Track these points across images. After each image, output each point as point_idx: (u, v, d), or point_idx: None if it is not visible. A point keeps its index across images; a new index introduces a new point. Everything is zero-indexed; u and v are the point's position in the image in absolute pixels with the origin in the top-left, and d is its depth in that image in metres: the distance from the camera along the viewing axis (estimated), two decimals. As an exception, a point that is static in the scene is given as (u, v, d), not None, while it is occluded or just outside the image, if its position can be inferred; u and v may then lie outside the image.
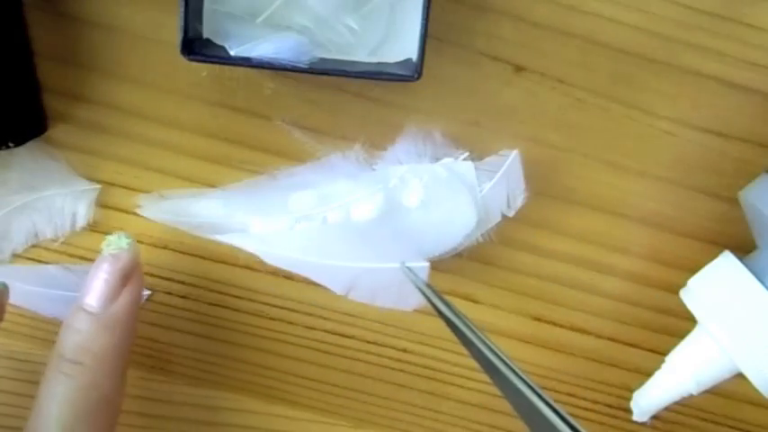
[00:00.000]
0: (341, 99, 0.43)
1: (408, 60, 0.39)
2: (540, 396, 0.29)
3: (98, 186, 0.45)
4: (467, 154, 0.43)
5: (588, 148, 0.44)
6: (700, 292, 0.40)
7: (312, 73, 0.37)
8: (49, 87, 0.42)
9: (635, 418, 0.42)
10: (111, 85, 0.42)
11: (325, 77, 0.40)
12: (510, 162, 0.43)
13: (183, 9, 0.36)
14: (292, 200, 0.44)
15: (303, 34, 0.38)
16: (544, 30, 0.41)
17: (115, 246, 0.40)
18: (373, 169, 0.44)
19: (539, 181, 0.44)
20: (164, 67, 0.42)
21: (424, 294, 0.38)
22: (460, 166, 0.43)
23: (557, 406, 0.29)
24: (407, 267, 0.40)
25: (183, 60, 0.36)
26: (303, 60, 0.37)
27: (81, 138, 0.43)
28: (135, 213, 0.45)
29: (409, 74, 0.37)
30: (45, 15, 0.41)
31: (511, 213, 0.44)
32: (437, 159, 0.43)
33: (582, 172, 0.44)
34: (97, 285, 0.40)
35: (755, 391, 0.37)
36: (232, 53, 0.37)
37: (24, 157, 0.43)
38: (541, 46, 0.42)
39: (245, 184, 0.44)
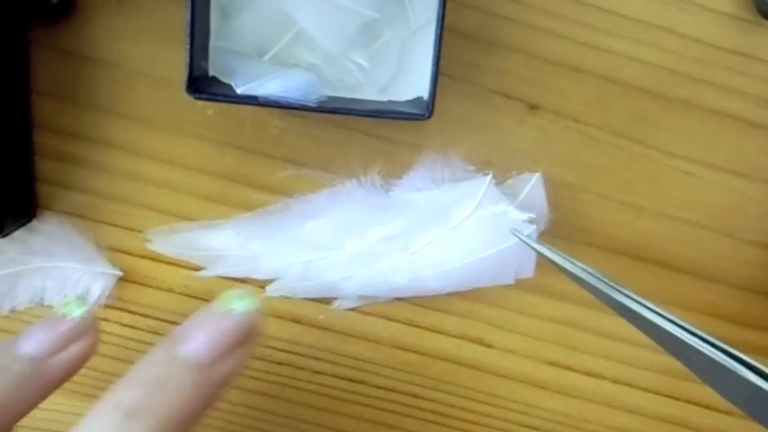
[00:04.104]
0: (349, 137, 0.42)
1: (419, 99, 0.38)
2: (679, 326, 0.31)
3: (119, 272, 0.44)
4: (488, 177, 0.42)
5: (604, 188, 0.43)
6: None
7: (321, 112, 0.36)
8: (49, 125, 0.42)
9: None
10: (114, 123, 0.42)
11: (333, 116, 0.39)
12: (532, 185, 0.42)
13: (188, 47, 0.35)
14: (307, 230, 0.43)
15: (311, 72, 0.38)
16: (559, 67, 0.41)
17: (242, 306, 0.36)
18: (389, 196, 0.43)
19: (552, 221, 0.43)
20: (169, 106, 0.41)
21: (538, 252, 0.38)
22: (479, 188, 0.42)
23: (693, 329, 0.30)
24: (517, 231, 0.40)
25: (188, 98, 0.36)
26: (311, 99, 0.36)
27: (82, 177, 0.43)
28: (140, 255, 0.44)
29: (420, 112, 0.36)
30: (46, 52, 0.41)
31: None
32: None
33: (597, 212, 0.43)
34: (212, 335, 0.34)
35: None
36: (239, 91, 0.36)
37: (53, 226, 0.43)
38: (556, 84, 0.41)
39: (256, 214, 0.44)
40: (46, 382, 0.36)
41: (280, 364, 0.47)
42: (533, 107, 0.42)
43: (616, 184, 0.43)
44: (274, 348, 0.47)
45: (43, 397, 0.36)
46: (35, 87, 0.41)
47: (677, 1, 0.40)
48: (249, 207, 0.43)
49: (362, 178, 0.43)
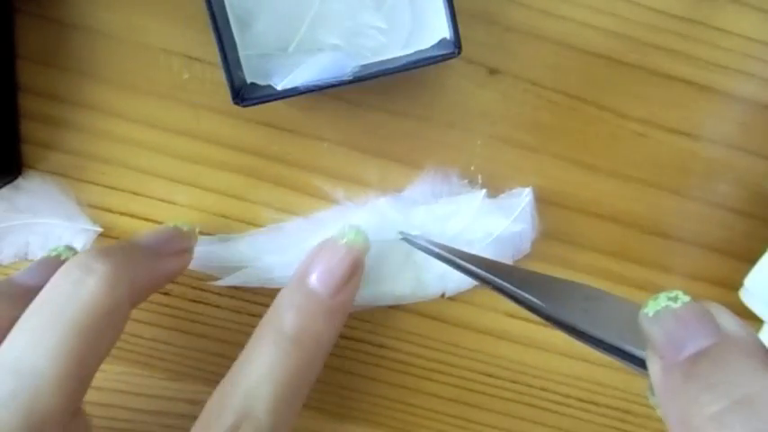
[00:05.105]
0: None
1: (443, 40, 0.39)
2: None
3: (100, 229, 0.45)
4: (483, 192, 0.45)
5: (559, 149, 0.45)
6: (760, 289, 0.40)
7: (358, 81, 0.37)
8: (30, 89, 0.42)
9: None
10: (94, 87, 0.42)
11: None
12: (524, 201, 0.45)
13: (223, 63, 0.37)
14: (317, 242, 0.43)
15: (336, 50, 0.39)
16: (518, 33, 0.43)
17: (352, 238, 0.41)
18: (392, 209, 0.45)
19: (510, 181, 0.45)
20: (145, 70, 0.42)
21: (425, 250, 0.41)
22: (474, 204, 0.45)
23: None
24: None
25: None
26: (345, 73, 0.37)
27: (64, 139, 0.43)
28: (119, 212, 0.45)
29: (450, 51, 0.38)
30: (32, 20, 0.41)
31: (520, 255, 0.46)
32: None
33: (553, 172, 0.45)
34: (330, 271, 0.40)
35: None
36: (278, 88, 0.38)
37: (37, 184, 0.44)
38: (515, 49, 0.43)
39: (269, 229, 0.46)
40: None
41: (251, 315, 0.48)
42: (493, 71, 0.43)
43: (571, 144, 0.45)
44: (246, 301, 0.47)
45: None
46: (22, 53, 0.41)
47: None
48: (224, 168, 0.44)
49: (369, 193, 0.45)
